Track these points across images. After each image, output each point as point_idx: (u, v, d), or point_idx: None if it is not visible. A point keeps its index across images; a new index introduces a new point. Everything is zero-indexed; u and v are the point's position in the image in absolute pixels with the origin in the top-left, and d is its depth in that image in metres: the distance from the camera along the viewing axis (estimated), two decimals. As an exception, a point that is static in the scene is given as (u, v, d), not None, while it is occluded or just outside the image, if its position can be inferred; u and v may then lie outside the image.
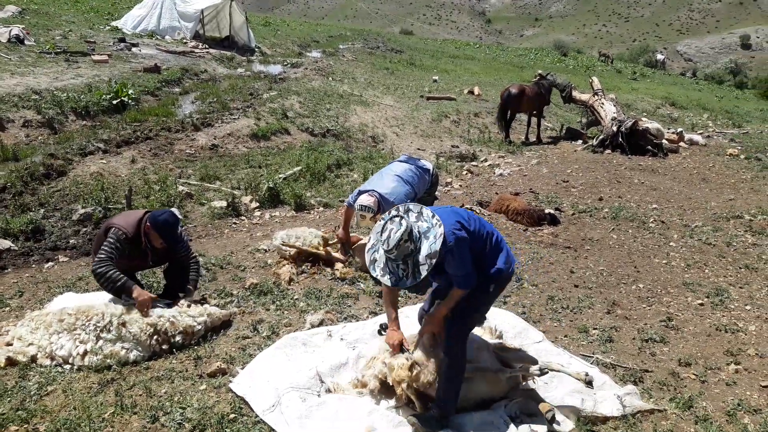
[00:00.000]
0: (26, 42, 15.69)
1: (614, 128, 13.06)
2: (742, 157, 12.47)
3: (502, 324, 4.25)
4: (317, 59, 23.21)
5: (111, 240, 4.32)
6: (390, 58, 27.33)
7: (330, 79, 18.29)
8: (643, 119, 13.99)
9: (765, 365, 4.15)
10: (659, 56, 52.31)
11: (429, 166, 5.85)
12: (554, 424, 3.31)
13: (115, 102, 11.84)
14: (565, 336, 4.55)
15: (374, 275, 3.14)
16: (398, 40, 38.91)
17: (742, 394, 3.80)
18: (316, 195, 8.94)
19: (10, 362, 3.95)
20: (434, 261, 2.97)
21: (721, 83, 43.96)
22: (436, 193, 6.11)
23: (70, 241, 6.56)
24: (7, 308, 4.90)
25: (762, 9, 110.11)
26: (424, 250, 2.97)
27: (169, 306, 4.46)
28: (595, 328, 4.68)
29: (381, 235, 3.07)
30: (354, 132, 12.92)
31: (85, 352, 3.93)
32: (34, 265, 5.96)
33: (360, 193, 5.40)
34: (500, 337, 3.98)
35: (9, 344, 4.09)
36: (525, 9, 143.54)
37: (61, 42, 16.94)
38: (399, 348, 3.50)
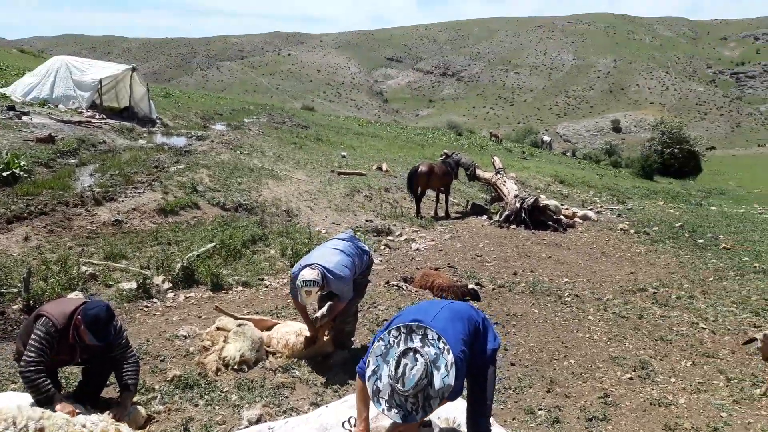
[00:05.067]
0: None
1: (518, 205, 13.78)
2: (632, 231, 13.52)
3: (454, 411, 4.11)
4: (223, 132, 22.91)
5: (40, 334, 3.82)
6: (296, 133, 27.55)
7: (238, 152, 18.01)
8: (542, 196, 14.92)
9: (700, 438, 4.30)
10: (546, 138, 56.60)
11: (367, 248, 5.78)
12: None
13: (5, 174, 10.87)
14: (514, 419, 4.50)
15: (378, 409, 2.83)
16: (302, 116, 39.48)
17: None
18: (234, 273, 8.53)
19: None
20: (446, 395, 2.76)
21: (598, 162, 48.11)
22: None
23: (-45, 333, 5.72)
24: None
25: (629, 97, 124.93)
26: (437, 382, 2.72)
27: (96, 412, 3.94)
28: (540, 409, 4.67)
29: (389, 366, 2.76)
30: (267, 206, 12.67)
31: (-14, 470, 3.32)
32: None
33: (302, 267, 5.17)
34: (456, 427, 3.84)
35: None
36: (420, 91, 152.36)
37: (-61, 108, 15.56)
38: None
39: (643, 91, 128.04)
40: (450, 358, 2.75)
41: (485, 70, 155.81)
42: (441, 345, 2.78)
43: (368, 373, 2.86)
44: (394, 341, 2.83)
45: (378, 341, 2.89)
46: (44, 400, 3.82)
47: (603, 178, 30.75)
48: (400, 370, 2.70)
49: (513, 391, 5.01)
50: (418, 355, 2.72)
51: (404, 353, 2.73)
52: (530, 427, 4.39)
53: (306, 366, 5.34)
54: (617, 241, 12.40)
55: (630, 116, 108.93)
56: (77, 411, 3.88)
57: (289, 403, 4.61)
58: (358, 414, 3.39)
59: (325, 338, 5.59)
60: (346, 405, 4.44)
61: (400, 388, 2.68)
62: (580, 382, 5.27)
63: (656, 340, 6.45)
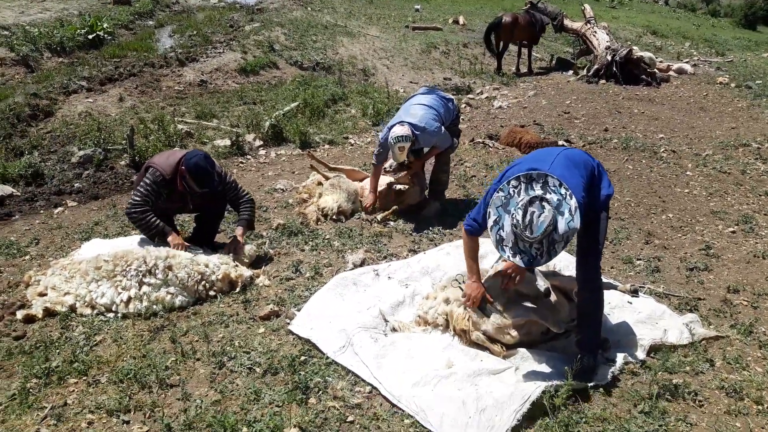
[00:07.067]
0: (-20, -29, 14.48)
1: (609, 57, 12.86)
2: (733, 85, 12.48)
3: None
4: (292, -12, 22.09)
5: (147, 181, 4.09)
6: (366, -14, 26.18)
7: (309, 9, 17.48)
8: (635, 48, 13.79)
9: (807, 289, 4.20)
10: (636, -17, 51.28)
11: (450, 96, 5.62)
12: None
13: (90, 37, 11.11)
14: (612, 267, 4.53)
15: (503, 256, 2.87)
16: (370, -31, 37.23)
17: (793, 318, 3.84)
18: (319, 132, 8.64)
19: (48, 312, 3.75)
20: (571, 238, 2.74)
21: (694, 11, 43.34)
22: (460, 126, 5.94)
23: (75, 185, 6.22)
24: (27, 256, 4.63)
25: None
26: (561, 227, 2.69)
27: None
28: (638, 259, 4.66)
29: (514, 215, 2.75)
30: (344, 65, 12.46)
31: (129, 299, 3.74)
32: (41, 211, 5.64)
33: (390, 127, 5.15)
34: (558, 271, 3.92)
35: (43, 294, 3.86)
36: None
37: (18, -29, 15.66)
38: (479, 301, 3.36)
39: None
40: (573, 202, 2.72)
41: None
42: (563, 191, 2.74)
43: (490, 223, 2.87)
44: (514, 191, 2.81)
45: (497, 192, 2.86)
46: (156, 234, 4.12)
47: (700, 29, 27.93)
48: (528, 218, 2.69)
49: (610, 242, 4.99)
50: (544, 203, 2.70)
51: (530, 201, 2.71)
52: (629, 275, 4.41)
53: (401, 217, 5.49)
54: (716, 96, 11.52)
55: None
56: (187, 244, 4.24)
57: (388, 250, 4.81)
58: (468, 269, 3.43)
59: (407, 188, 5.59)
60: (442, 252, 4.63)
61: (528, 235, 2.69)
62: (679, 235, 5.18)
63: (760, 195, 6.16)
